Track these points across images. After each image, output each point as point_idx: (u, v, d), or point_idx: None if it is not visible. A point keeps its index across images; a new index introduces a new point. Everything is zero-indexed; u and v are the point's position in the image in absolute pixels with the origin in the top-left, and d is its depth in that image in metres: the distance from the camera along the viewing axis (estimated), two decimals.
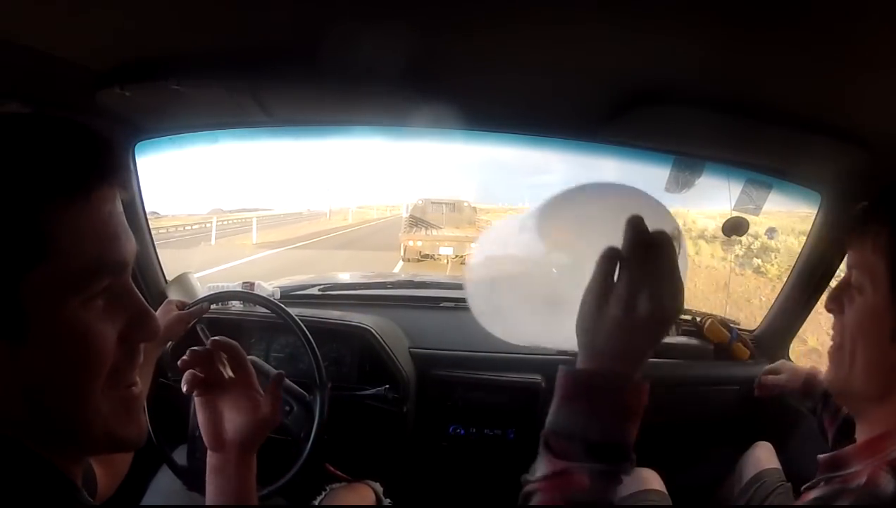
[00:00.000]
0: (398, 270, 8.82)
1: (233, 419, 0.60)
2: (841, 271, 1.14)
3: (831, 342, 0.58)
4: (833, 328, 0.58)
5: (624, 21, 0.59)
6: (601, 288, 0.41)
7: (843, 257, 1.09)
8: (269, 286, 1.42)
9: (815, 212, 1.12)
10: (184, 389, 0.59)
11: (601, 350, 0.40)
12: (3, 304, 0.30)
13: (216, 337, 0.61)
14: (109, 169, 0.34)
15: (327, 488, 1.03)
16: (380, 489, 0.93)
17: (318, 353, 0.99)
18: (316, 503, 0.98)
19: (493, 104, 0.93)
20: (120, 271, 0.35)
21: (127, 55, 0.72)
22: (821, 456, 0.55)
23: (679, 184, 1.05)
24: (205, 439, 0.60)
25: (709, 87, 0.75)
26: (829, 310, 0.59)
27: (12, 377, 0.31)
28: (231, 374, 0.61)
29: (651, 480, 1.09)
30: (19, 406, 0.32)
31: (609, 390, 0.40)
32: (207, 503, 0.59)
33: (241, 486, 0.59)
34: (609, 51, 0.67)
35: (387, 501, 0.89)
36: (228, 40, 0.70)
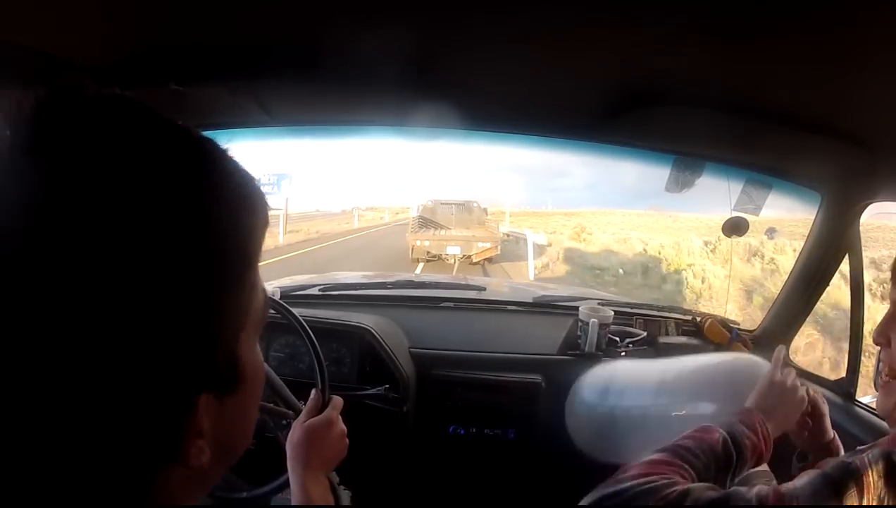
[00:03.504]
0: (419, 271, 8.84)
1: None
2: (841, 270, 1.15)
3: (882, 373, 0.62)
4: (882, 360, 0.62)
5: (624, 21, 0.59)
6: None
7: (843, 257, 1.10)
8: (269, 286, 1.42)
9: (815, 212, 1.12)
10: None
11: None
12: (226, 361, 0.29)
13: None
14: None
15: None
16: (335, 478, 0.91)
17: (323, 365, 0.95)
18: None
19: (493, 104, 0.93)
20: None
21: (127, 55, 0.72)
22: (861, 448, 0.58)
23: (679, 184, 1.05)
24: None
25: (709, 87, 0.75)
26: (876, 343, 0.62)
27: (216, 427, 0.29)
28: None
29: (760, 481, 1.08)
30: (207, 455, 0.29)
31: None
32: None
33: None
34: (609, 51, 0.67)
35: (342, 488, 0.88)
36: (228, 40, 0.70)
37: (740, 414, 0.67)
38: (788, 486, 0.48)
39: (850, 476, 0.46)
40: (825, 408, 0.81)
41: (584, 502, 0.55)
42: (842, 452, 0.78)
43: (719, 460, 0.59)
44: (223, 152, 0.29)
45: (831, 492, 0.45)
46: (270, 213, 0.33)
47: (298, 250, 11.71)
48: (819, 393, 0.82)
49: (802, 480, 0.48)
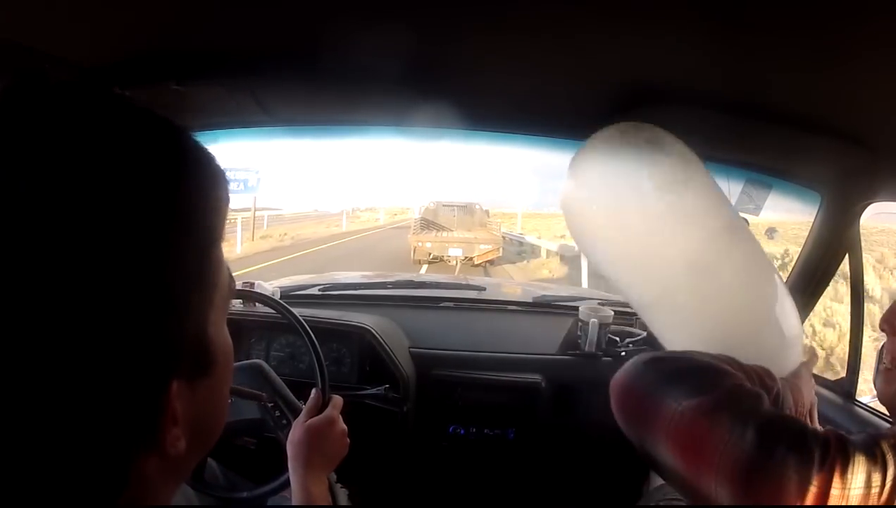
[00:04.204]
0: (423, 271, 8.73)
1: None
2: (842, 271, 1.15)
3: (886, 361, 0.60)
4: (886, 349, 0.60)
5: (624, 21, 0.59)
6: None
7: (844, 257, 1.10)
8: (269, 286, 1.42)
9: (815, 212, 1.12)
10: None
11: None
12: (196, 343, 0.29)
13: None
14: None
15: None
16: (333, 476, 0.92)
17: (323, 364, 0.94)
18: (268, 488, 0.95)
19: (493, 104, 0.93)
20: None
21: (126, 55, 0.72)
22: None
23: None
24: None
25: (709, 87, 0.75)
26: (881, 330, 0.61)
27: (190, 412, 0.29)
28: None
29: None
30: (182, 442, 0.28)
31: None
32: None
33: None
34: (609, 51, 0.67)
35: (339, 486, 0.88)
36: (228, 40, 0.70)
37: (794, 378, 0.62)
38: (844, 434, 0.46)
39: (890, 444, 0.44)
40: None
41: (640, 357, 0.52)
42: None
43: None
44: (183, 132, 0.29)
45: (888, 447, 0.43)
46: (243, 216, 0.32)
47: (256, 264, 8.78)
48: None
49: (853, 436, 0.46)
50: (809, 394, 0.66)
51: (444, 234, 10.95)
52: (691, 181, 0.68)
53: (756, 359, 0.58)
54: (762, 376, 0.56)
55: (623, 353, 1.31)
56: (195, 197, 0.28)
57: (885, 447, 0.43)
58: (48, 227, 0.23)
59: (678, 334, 0.73)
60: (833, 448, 0.42)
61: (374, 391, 1.18)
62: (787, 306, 0.72)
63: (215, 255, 0.30)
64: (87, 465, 0.25)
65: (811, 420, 0.73)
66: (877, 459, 0.42)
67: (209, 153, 0.30)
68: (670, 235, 0.67)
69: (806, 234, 1.16)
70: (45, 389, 0.23)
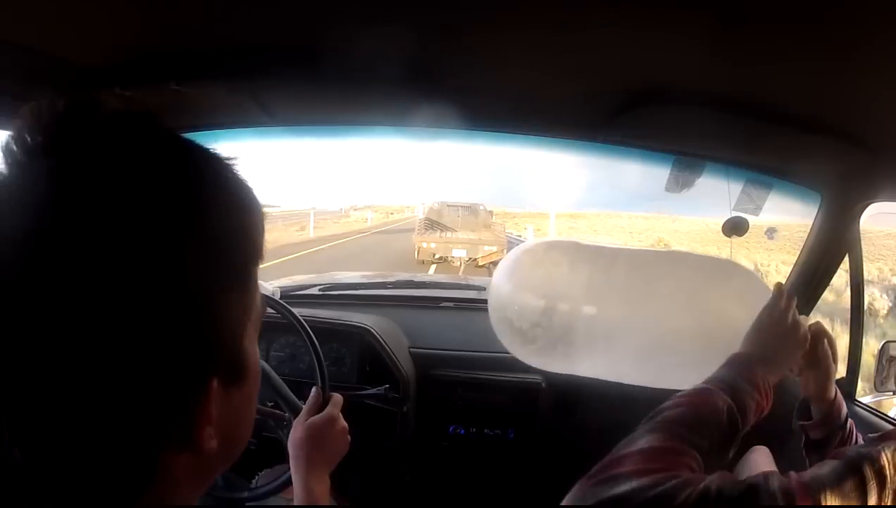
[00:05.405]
0: (433, 271, 8.77)
1: None
2: (842, 271, 1.15)
3: None
4: None
5: (624, 21, 0.59)
6: None
7: (843, 257, 1.10)
8: (269, 286, 1.42)
9: (815, 212, 1.12)
10: None
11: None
12: (233, 351, 0.31)
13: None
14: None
15: (258, 474, 1.00)
16: None
17: (323, 364, 0.95)
18: (252, 484, 0.96)
19: (493, 104, 0.93)
20: None
21: (126, 55, 0.72)
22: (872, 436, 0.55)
23: (679, 184, 1.05)
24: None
25: (709, 86, 0.75)
26: None
27: (222, 417, 0.30)
28: None
29: (761, 462, 1.01)
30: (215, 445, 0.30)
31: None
32: None
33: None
34: (609, 51, 0.67)
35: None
36: (228, 40, 0.70)
37: (739, 367, 0.56)
38: (810, 474, 0.43)
39: (871, 466, 0.42)
40: (832, 345, 0.68)
41: (568, 502, 0.46)
42: (844, 410, 0.69)
43: (724, 434, 0.50)
44: (223, 162, 0.32)
45: (857, 481, 0.41)
46: None
47: None
48: (823, 325, 0.69)
49: (824, 468, 0.43)
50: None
51: (448, 234, 10.97)
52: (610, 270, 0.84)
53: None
54: (700, 404, 0.52)
55: None
56: (237, 221, 0.31)
57: (868, 472, 0.42)
58: (99, 245, 0.25)
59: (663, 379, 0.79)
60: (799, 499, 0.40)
61: (374, 391, 1.18)
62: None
63: (253, 273, 0.33)
64: (120, 453, 0.27)
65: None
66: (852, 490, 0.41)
67: (245, 183, 0.32)
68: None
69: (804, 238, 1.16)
70: (92, 381, 0.25)
